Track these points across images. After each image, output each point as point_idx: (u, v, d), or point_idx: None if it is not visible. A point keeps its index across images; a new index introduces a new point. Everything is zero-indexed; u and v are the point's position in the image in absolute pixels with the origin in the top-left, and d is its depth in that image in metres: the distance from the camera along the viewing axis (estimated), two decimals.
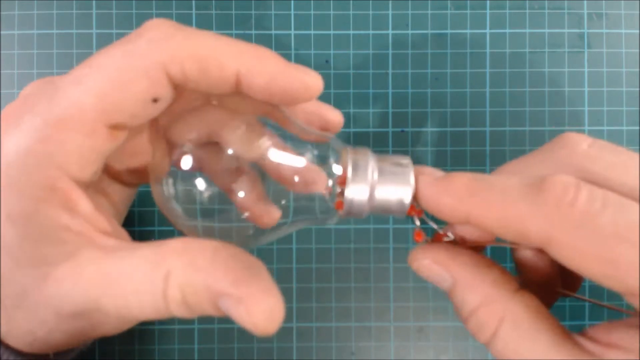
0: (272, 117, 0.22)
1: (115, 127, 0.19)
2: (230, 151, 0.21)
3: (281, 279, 0.32)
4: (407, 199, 0.19)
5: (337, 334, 0.32)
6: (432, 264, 0.20)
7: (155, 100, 0.19)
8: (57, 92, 0.18)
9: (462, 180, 0.18)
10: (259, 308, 0.16)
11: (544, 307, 0.19)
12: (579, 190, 0.16)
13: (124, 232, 0.21)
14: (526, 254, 0.21)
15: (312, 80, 0.19)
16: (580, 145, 0.19)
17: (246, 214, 0.21)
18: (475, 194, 0.18)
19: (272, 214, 0.21)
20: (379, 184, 0.20)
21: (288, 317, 0.32)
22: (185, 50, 0.18)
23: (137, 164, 0.22)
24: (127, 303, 0.17)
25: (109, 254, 0.18)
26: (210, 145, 0.21)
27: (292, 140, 0.21)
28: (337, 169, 0.20)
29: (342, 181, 0.20)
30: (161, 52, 0.18)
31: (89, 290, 0.17)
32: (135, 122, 0.19)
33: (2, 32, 0.32)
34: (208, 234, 0.21)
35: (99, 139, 0.18)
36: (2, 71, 0.32)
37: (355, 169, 0.20)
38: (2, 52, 0.32)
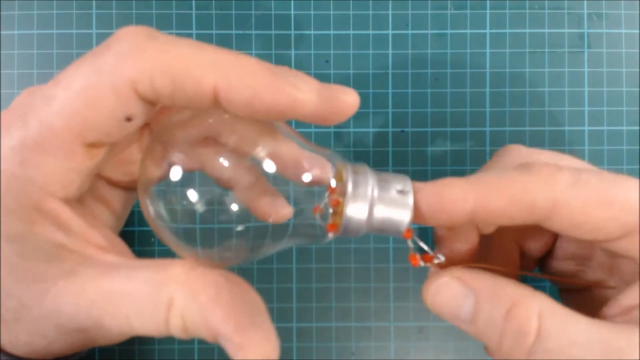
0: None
1: (91, 145, 0.18)
2: (231, 149, 0.20)
3: (281, 279, 0.32)
4: (406, 220, 0.19)
5: (337, 334, 0.32)
6: (450, 279, 0.19)
7: (128, 119, 0.18)
8: (30, 113, 0.17)
9: (458, 178, 0.19)
10: (256, 355, 0.17)
11: None
12: (555, 164, 0.19)
13: (121, 243, 0.21)
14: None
15: (302, 96, 0.17)
16: (522, 151, 0.22)
17: (240, 227, 0.20)
18: (477, 182, 0.19)
19: (284, 208, 0.21)
20: (378, 204, 0.19)
21: (288, 317, 0.32)
22: (155, 65, 0.17)
23: (135, 171, 0.22)
24: (130, 322, 0.17)
25: (109, 271, 0.18)
26: (211, 144, 0.20)
27: (295, 138, 0.20)
28: (333, 184, 0.20)
29: (335, 202, 0.19)
30: (129, 68, 0.17)
31: (90, 309, 0.17)
32: (111, 139, 0.18)
33: (2, 32, 0.32)
34: (195, 252, 0.20)
35: (75, 159, 0.18)
36: (2, 71, 0.32)
37: (355, 187, 0.19)
38: (2, 52, 0.32)
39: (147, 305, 0.17)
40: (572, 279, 0.23)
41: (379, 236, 0.32)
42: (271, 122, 0.20)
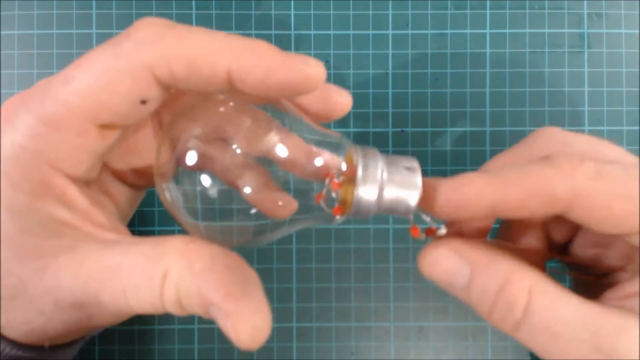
0: (280, 107, 0.21)
1: (105, 126, 0.19)
2: (236, 147, 0.21)
3: (281, 279, 0.32)
4: (415, 200, 0.19)
5: (337, 334, 0.32)
6: (448, 251, 0.19)
7: (143, 102, 0.18)
8: (48, 91, 0.18)
9: (476, 174, 0.19)
10: (245, 326, 0.17)
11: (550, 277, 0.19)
12: (580, 156, 0.19)
13: (121, 226, 0.21)
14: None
15: (312, 70, 0.18)
16: (556, 135, 0.22)
17: (254, 210, 0.21)
18: (496, 177, 0.19)
19: (288, 204, 0.21)
20: (388, 185, 0.19)
21: (288, 317, 0.32)
22: (172, 51, 0.18)
23: (139, 162, 0.22)
24: (126, 297, 0.18)
25: (109, 247, 0.18)
26: (216, 141, 0.21)
27: (302, 130, 0.21)
28: (344, 168, 0.20)
29: (336, 185, 0.20)
30: (147, 54, 0.18)
31: (88, 282, 0.18)
32: (125, 122, 0.19)
33: (2, 32, 0.32)
34: (211, 233, 0.21)
35: (88, 138, 0.18)
36: (2, 71, 0.32)
37: (365, 168, 0.19)
38: (2, 52, 0.32)
39: (144, 278, 0.17)
40: (586, 269, 0.23)
41: (379, 236, 0.32)
42: (279, 115, 0.21)
